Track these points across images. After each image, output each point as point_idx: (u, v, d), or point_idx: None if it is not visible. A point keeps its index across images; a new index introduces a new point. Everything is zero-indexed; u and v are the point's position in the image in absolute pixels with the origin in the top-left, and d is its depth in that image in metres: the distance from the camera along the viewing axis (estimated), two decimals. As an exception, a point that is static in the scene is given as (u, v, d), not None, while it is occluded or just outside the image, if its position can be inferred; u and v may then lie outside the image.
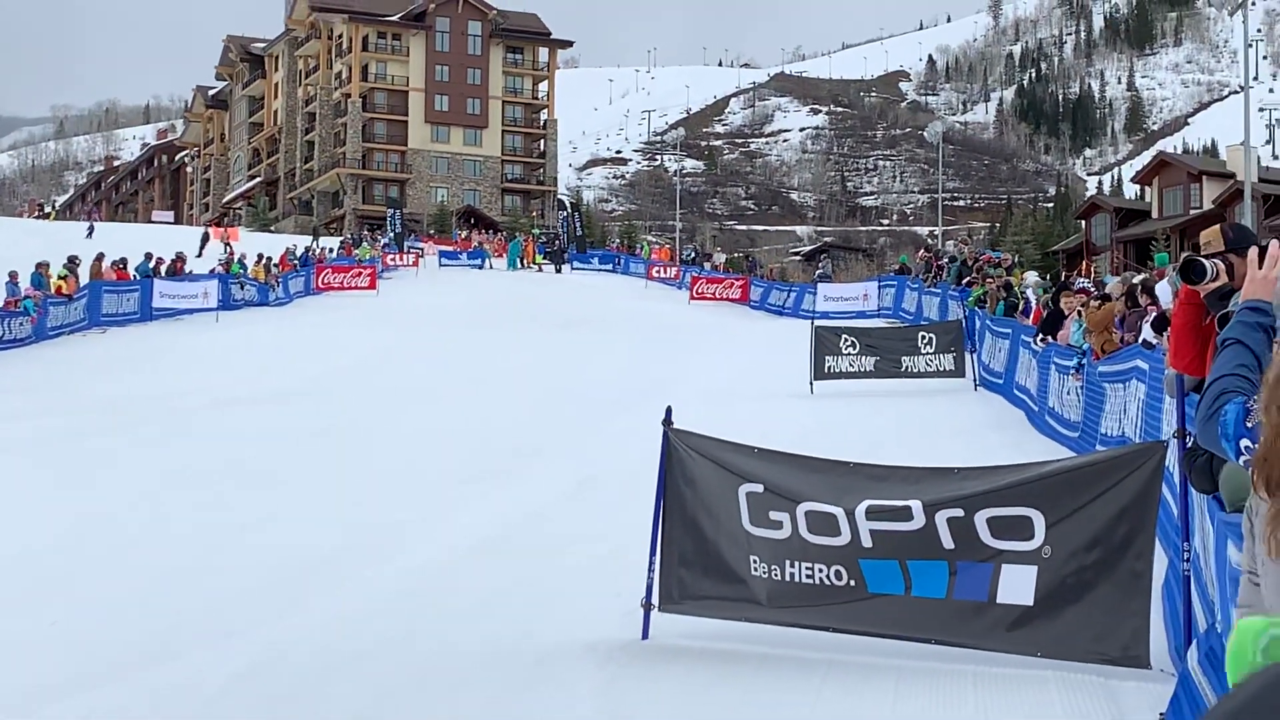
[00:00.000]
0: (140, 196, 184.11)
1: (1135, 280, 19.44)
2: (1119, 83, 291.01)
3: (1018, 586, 7.83)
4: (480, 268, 74.39)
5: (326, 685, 8.48)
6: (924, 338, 26.10)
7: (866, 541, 8.16)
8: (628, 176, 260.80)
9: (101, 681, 8.56)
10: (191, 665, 8.86)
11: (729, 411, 19.84)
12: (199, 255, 62.10)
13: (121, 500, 14.57)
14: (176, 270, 46.83)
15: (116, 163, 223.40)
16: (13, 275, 36.53)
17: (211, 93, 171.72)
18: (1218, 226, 6.84)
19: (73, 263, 40.83)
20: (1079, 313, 18.65)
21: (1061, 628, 7.73)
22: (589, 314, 45.24)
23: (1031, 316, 24.32)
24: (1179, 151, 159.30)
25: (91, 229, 75.73)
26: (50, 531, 12.94)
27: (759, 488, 8.62)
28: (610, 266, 79.64)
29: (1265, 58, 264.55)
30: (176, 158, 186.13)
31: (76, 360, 31.63)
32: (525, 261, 76.26)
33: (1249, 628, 2.35)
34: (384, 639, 9.40)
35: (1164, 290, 17.37)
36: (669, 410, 9.18)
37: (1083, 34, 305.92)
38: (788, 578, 8.49)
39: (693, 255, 79.84)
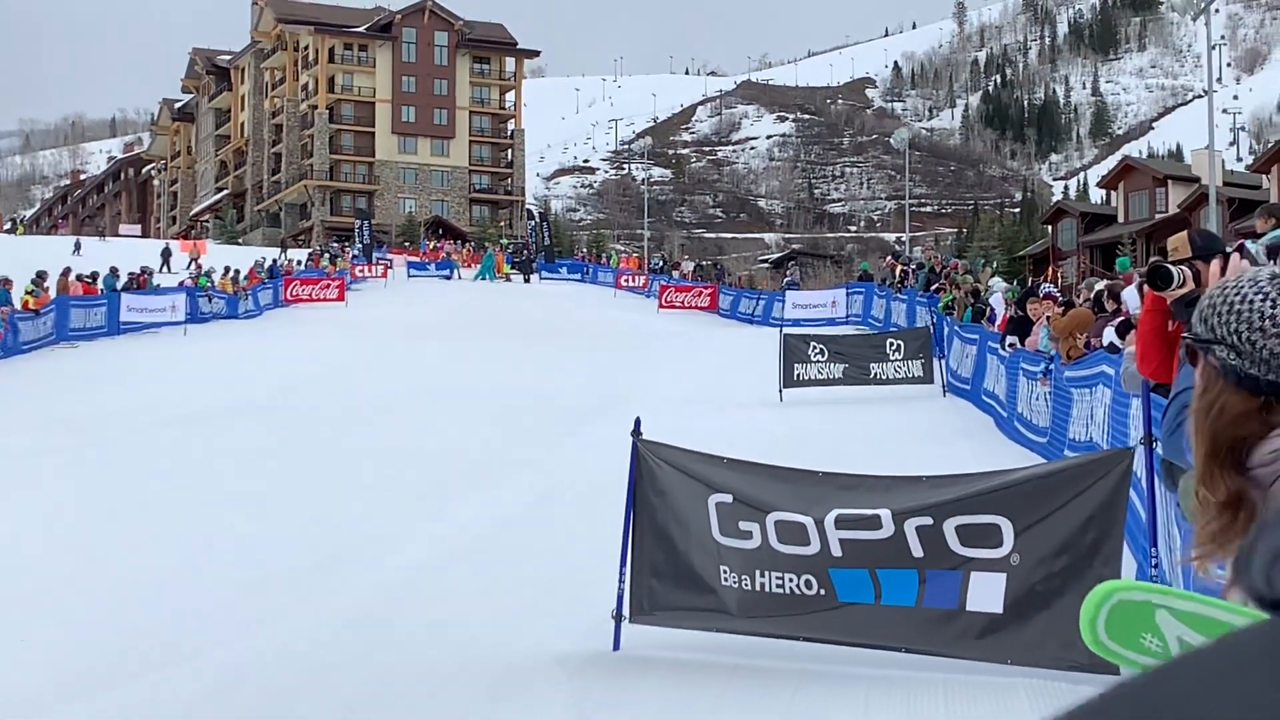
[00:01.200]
0: (107, 210, 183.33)
1: (1100, 285, 19.50)
2: (1084, 88, 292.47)
3: (987, 594, 7.85)
4: (449, 278, 74.28)
5: (292, 702, 8.44)
6: (892, 344, 26.13)
7: (836, 550, 8.17)
8: (595, 186, 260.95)
9: (68, 699, 8.51)
10: (156, 683, 8.80)
11: (698, 420, 19.87)
12: (162, 270, 61.58)
13: (86, 517, 14.48)
14: (140, 284, 46.64)
15: (83, 176, 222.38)
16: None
17: (178, 105, 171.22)
18: (1185, 233, 6.86)
19: (40, 278, 40.67)
20: (1047, 318, 18.72)
21: (1031, 635, 7.74)
22: (557, 324, 45.20)
23: (998, 323, 24.37)
24: (1144, 156, 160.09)
25: (78, 244, 74.83)
26: (15, 549, 12.86)
27: (728, 498, 8.62)
28: (579, 276, 79.58)
29: (1229, 63, 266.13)
30: (143, 171, 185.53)
31: (43, 376, 31.45)
32: (495, 272, 76.19)
33: (1097, 592, 2.39)
34: (350, 654, 9.36)
35: (1131, 296, 17.43)
36: (638, 421, 9.18)
37: (1047, 40, 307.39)
38: (758, 587, 8.49)
39: (660, 264, 79.81)
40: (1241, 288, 2.78)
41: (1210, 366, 2.86)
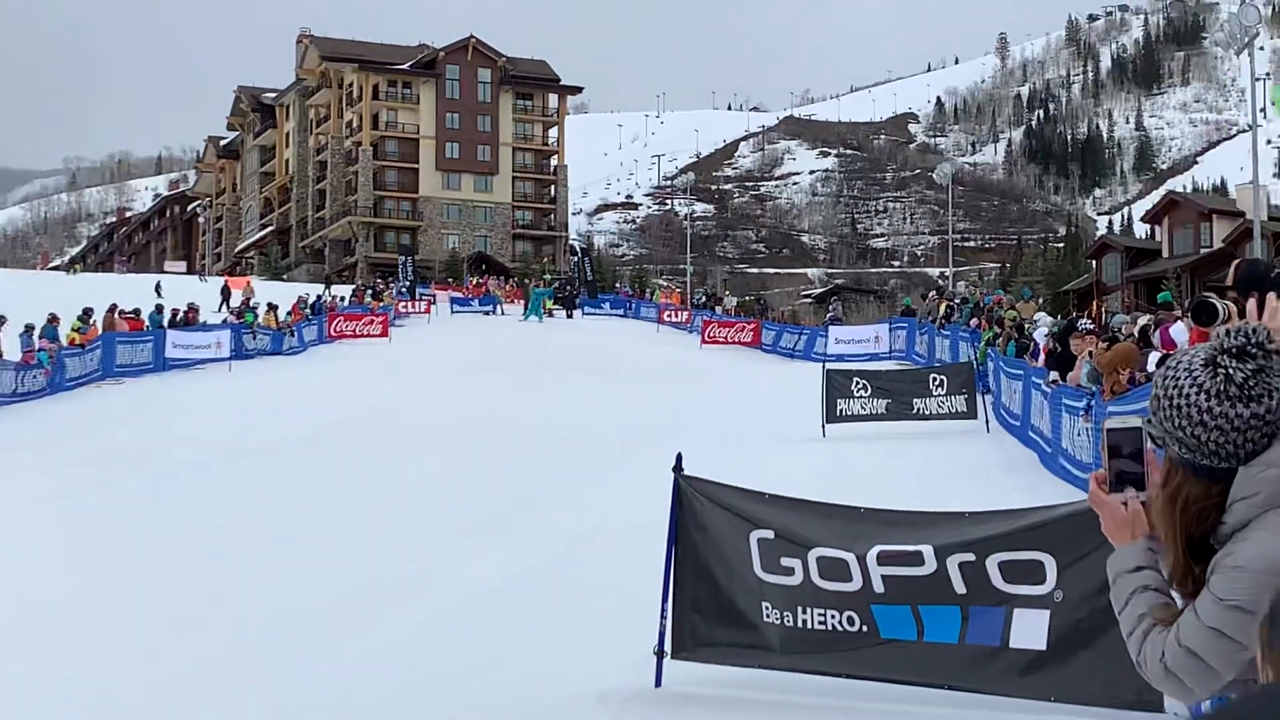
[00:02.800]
0: (153, 247, 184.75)
1: (1144, 320, 19.45)
2: (1127, 122, 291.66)
3: (1030, 631, 7.80)
4: (491, 314, 74.52)
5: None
6: (935, 380, 26.06)
7: (879, 587, 8.14)
8: (638, 221, 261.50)
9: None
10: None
11: (741, 455, 19.84)
12: (220, 309, 61.49)
13: (128, 553, 14.54)
14: (189, 320, 46.92)
15: (129, 214, 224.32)
16: (28, 328, 36.73)
17: (223, 143, 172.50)
18: (1235, 263, 6.82)
19: (86, 315, 40.98)
20: (1089, 353, 18.65)
21: (1075, 672, 7.69)
22: (600, 359, 45.24)
23: (1040, 358, 24.28)
24: (1188, 190, 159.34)
25: (159, 286, 74.41)
26: (57, 585, 12.92)
27: (770, 534, 8.60)
28: (622, 311, 79.71)
29: (1274, 100, 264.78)
30: (189, 208, 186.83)
31: (89, 412, 31.64)
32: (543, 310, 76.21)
33: None
34: (392, 692, 9.36)
35: (1180, 332, 17.33)
36: (679, 457, 9.17)
37: (1090, 74, 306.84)
38: (800, 624, 8.46)
39: (703, 299, 79.57)
40: (1179, 380, 2.75)
41: (1170, 457, 2.83)
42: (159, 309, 46.31)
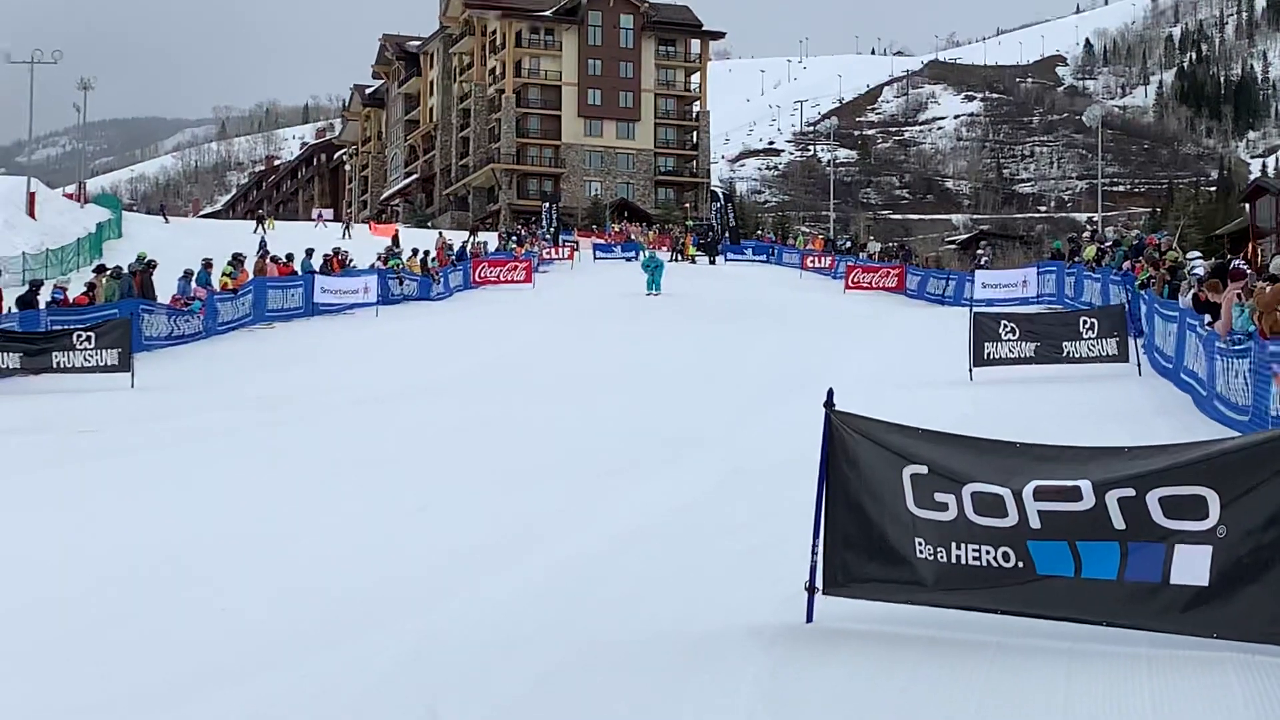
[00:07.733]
0: (300, 195, 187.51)
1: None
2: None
3: (1192, 567, 7.62)
4: (634, 260, 74.60)
5: (486, 671, 8.46)
6: (1086, 323, 25.60)
7: (1035, 522, 8.00)
8: (780, 167, 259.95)
9: (268, 668, 8.64)
10: (352, 652, 8.87)
11: (887, 398, 19.67)
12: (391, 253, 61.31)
13: (276, 494, 14.77)
14: (335, 267, 47.43)
15: (277, 162, 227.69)
16: (187, 274, 37.51)
17: (368, 91, 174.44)
18: None
19: (238, 260, 41.63)
20: (1239, 295, 18.22)
21: (1238, 608, 7.51)
22: (743, 305, 45.16)
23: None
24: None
25: (348, 228, 73.15)
26: (213, 522, 13.16)
27: (923, 469, 8.48)
28: (764, 257, 79.46)
29: None
30: (335, 156, 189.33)
31: (239, 355, 32.22)
32: (684, 254, 76.18)
33: None
34: (541, 625, 9.38)
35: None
36: (830, 392, 9.06)
37: (1244, 15, 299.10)
38: (954, 560, 8.35)
39: (848, 244, 78.71)
40: None
41: None
42: (309, 253, 46.78)
